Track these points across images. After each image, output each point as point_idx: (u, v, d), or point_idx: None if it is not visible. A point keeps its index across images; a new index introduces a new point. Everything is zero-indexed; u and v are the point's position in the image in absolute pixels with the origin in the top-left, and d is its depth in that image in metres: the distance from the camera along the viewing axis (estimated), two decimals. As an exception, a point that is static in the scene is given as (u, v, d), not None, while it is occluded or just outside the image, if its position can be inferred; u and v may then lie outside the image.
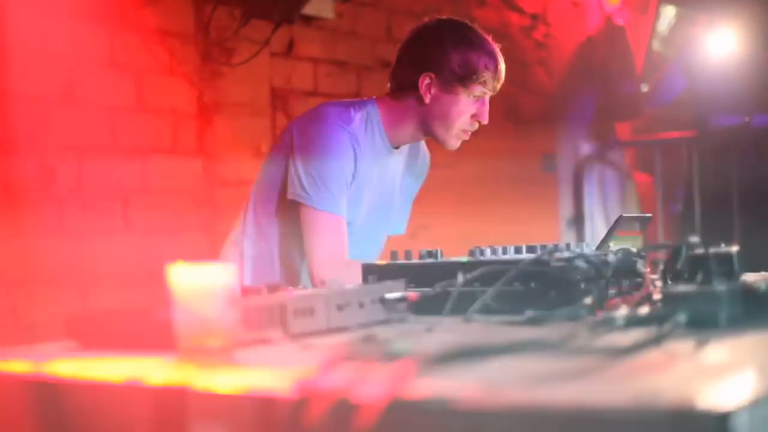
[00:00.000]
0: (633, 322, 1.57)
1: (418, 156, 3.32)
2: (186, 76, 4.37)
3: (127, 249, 4.10)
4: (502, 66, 3.00)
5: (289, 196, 2.91)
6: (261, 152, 4.53)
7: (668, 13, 7.35)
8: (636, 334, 1.39)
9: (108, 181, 4.06)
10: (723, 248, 1.83)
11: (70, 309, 2.54)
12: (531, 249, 2.14)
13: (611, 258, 1.97)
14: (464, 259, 2.10)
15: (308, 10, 4.52)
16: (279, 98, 4.80)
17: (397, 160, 3.18)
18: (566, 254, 1.96)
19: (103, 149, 4.05)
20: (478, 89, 2.94)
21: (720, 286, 1.63)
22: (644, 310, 1.68)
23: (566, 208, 6.65)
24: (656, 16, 7.28)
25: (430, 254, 2.17)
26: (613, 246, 2.33)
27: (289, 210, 2.97)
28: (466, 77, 2.93)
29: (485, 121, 3.02)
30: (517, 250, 2.15)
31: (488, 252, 2.14)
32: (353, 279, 2.42)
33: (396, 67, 3.06)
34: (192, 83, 4.39)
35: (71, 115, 3.91)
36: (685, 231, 6.38)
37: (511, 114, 6.37)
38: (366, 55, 5.23)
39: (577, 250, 2.07)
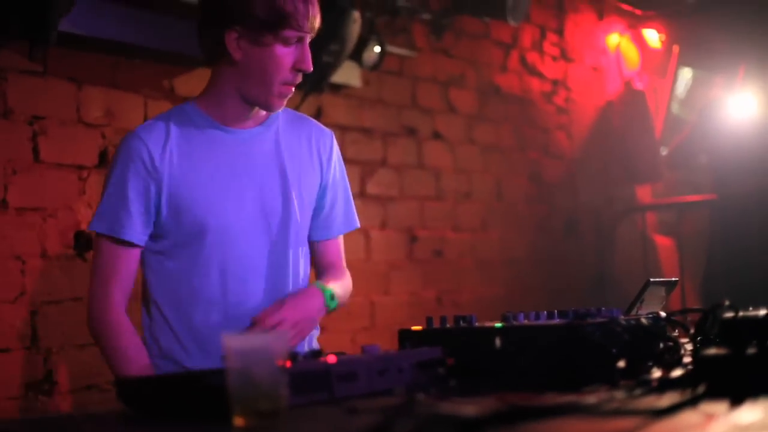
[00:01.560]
0: (666, 385, 1.63)
1: (311, 138, 2.90)
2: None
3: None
4: (312, 2, 2.66)
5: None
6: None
7: (686, 75, 7.45)
8: (671, 397, 1.45)
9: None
10: (752, 312, 1.89)
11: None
12: (563, 314, 2.20)
13: (643, 322, 2.03)
14: (498, 324, 2.15)
15: (336, 78, 4.61)
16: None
17: (267, 141, 2.80)
18: (599, 319, 2.02)
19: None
20: (293, 35, 2.61)
21: (750, 350, 1.69)
22: (677, 373, 1.74)
23: (589, 271, 6.70)
24: (674, 79, 7.39)
25: (464, 320, 2.22)
26: (642, 310, 2.38)
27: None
28: (275, 23, 2.59)
29: (309, 69, 2.66)
30: (550, 315, 2.21)
31: (521, 317, 2.20)
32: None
33: (199, 34, 2.72)
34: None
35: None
36: (709, 294, 6.42)
37: (535, 178, 6.45)
38: (391, 122, 5.31)
39: (608, 315, 2.12)
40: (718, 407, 1.40)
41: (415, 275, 5.36)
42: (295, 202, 2.78)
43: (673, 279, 2.75)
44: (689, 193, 7.21)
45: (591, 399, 1.45)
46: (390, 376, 1.89)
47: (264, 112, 2.78)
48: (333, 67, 4.41)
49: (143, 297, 2.80)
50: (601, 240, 6.92)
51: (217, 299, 2.70)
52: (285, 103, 2.74)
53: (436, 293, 5.45)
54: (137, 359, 2.63)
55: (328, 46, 4.27)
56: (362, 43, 4.66)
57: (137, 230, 2.67)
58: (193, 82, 4.17)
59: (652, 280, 2.53)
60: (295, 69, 2.65)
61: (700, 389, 1.50)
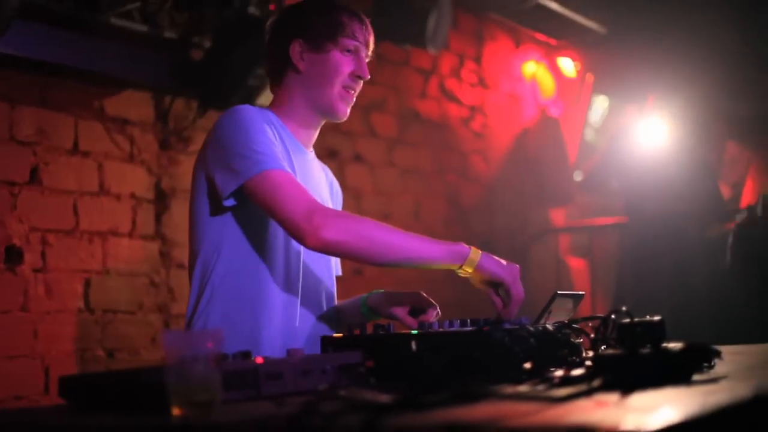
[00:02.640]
0: (567, 381, 1.79)
1: (332, 181, 3.20)
2: (145, 163, 4.56)
3: (87, 328, 4.26)
4: (367, 19, 2.93)
5: (225, 200, 2.68)
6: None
7: (600, 103, 7.69)
8: (570, 390, 1.61)
9: (70, 262, 4.22)
10: (647, 318, 2.07)
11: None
12: (475, 322, 2.36)
13: (548, 329, 2.20)
14: (415, 331, 2.31)
15: (262, 101, 4.74)
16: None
17: (316, 168, 3.04)
18: (508, 326, 2.19)
19: (67, 231, 4.23)
20: (349, 43, 2.86)
21: (642, 350, 1.87)
22: (577, 372, 1.91)
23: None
24: (589, 107, 7.63)
25: (382, 327, 2.38)
26: (550, 320, 2.55)
27: (227, 232, 2.78)
28: (333, 32, 2.85)
29: (367, 76, 2.90)
30: (463, 324, 2.38)
31: (436, 325, 2.36)
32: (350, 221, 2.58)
33: (267, 54, 2.98)
34: (151, 170, 4.58)
35: (37, 198, 4.09)
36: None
37: (452, 201, 6.63)
38: (315, 143, 5.45)
39: (517, 323, 2.29)
40: (610, 397, 1.56)
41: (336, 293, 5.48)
42: None
43: (580, 292, 2.92)
44: (601, 216, 7.44)
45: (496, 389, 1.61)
46: (314, 377, 2.03)
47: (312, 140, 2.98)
48: (259, 90, 4.53)
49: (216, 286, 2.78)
50: (517, 261, 7.08)
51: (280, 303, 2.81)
52: (349, 111, 2.92)
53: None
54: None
55: (254, 70, 4.40)
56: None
57: None
58: (123, 103, 4.28)
59: (559, 292, 2.70)
60: (354, 75, 2.87)
61: (596, 383, 1.66)
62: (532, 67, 7.57)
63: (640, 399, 1.55)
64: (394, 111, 6.17)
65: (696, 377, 1.86)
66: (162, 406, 1.62)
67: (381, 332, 2.36)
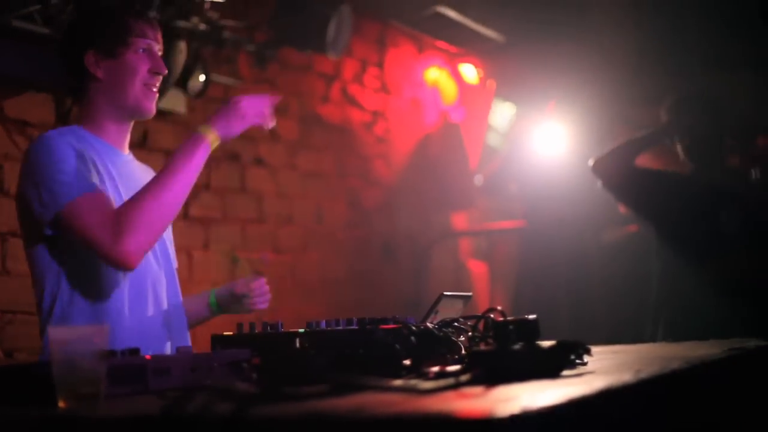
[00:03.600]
0: (441, 375, 1.89)
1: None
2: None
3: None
4: (152, 15, 3.12)
5: (45, 231, 2.76)
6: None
7: (503, 109, 7.83)
8: (441, 383, 1.70)
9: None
10: (522, 317, 2.17)
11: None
12: (361, 321, 2.45)
13: (429, 327, 2.29)
14: (302, 330, 2.39)
15: (162, 104, 4.77)
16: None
17: (136, 168, 3.11)
18: (390, 324, 2.28)
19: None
20: (141, 42, 2.96)
21: (513, 347, 1.97)
22: (453, 367, 2.00)
23: (406, 292, 6.96)
24: (491, 112, 7.76)
25: (271, 326, 2.46)
26: (438, 320, 2.64)
27: (63, 258, 2.85)
28: (123, 36, 2.94)
29: (164, 71, 3.01)
30: (349, 322, 2.46)
31: (323, 324, 2.45)
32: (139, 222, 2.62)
33: (66, 71, 3.03)
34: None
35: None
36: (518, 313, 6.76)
37: (354, 204, 6.71)
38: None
39: (401, 322, 2.38)
40: (477, 389, 1.65)
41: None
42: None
43: (467, 293, 3.02)
44: (502, 220, 7.58)
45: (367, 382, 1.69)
46: (201, 373, 2.10)
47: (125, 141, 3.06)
48: (159, 94, 4.57)
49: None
50: (417, 264, 7.21)
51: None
52: (155, 106, 3.02)
53: (256, 313, 5.62)
54: None
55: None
56: (188, 72, 4.84)
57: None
58: (23, 104, 4.29)
59: (445, 293, 2.79)
60: (152, 72, 2.97)
61: (465, 377, 1.76)
62: (434, 74, 7.68)
63: (504, 391, 1.64)
64: (297, 115, 6.23)
65: (565, 372, 1.97)
66: (49, 399, 1.68)
67: (268, 330, 2.44)
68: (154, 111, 3.02)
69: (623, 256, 6.72)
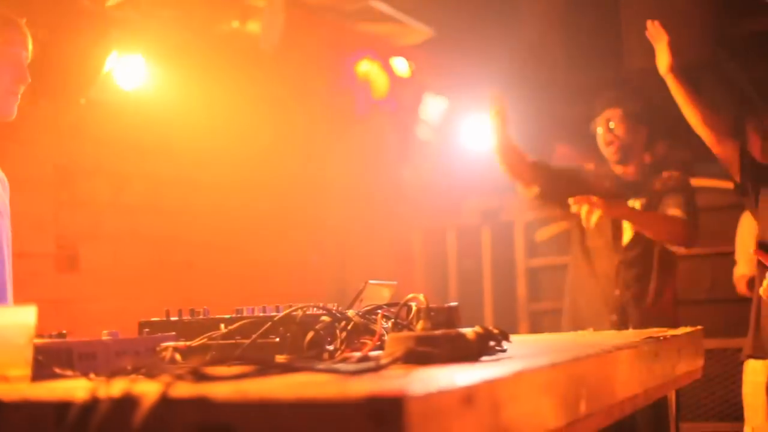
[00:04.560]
0: (364, 360, 1.94)
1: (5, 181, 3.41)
2: (-28, 152, 4.55)
3: None
4: (21, 21, 3.07)
5: None
6: (43, 228, 4.74)
7: (432, 102, 7.89)
8: (360, 366, 1.75)
9: None
10: (444, 305, 2.23)
11: None
12: (286, 308, 2.49)
13: (349, 313, 2.35)
14: (228, 315, 2.43)
15: (94, 93, 4.77)
16: (62, 175, 5.04)
17: None
18: (315, 310, 2.33)
19: None
20: (7, 50, 3.03)
21: (434, 333, 2.02)
22: (375, 352, 2.05)
23: (334, 281, 7.01)
24: (422, 106, 7.82)
25: (197, 312, 2.50)
26: (360, 306, 2.69)
27: None
28: None
29: (27, 80, 3.07)
30: (277, 309, 2.50)
31: (249, 310, 2.49)
32: None
33: None
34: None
35: None
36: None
37: (285, 195, 6.73)
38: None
39: (324, 308, 2.43)
40: (398, 372, 1.70)
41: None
42: None
43: (392, 282, 3.07)
44: (434, 213, 7.64)
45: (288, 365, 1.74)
46: (128, 357, 2.13)
47: None
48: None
49: None
50: (345, 253, 7.26)
51: None
52: (15, 109, 3.08)
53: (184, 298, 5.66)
54: None
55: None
56: None
57: None
58: None
59: (370, 281, 2.85)
60: (17, 79, 3.05)
61: (385, 360, 1.81)
62: (366, 66, 7.71)
63: (421, 374, 1.69)
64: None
65: (485, 358, 2.03)
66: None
67: (194, 316, 2.47)
68: (14, 114, 3.07)
69: (552, 251, 6.83)
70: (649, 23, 4.83)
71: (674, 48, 4.72)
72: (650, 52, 4.78)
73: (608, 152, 5.34)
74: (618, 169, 5.35)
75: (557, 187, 5.34)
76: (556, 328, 5.47)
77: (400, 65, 7.97)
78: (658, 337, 2.76)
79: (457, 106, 7.79)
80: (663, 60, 4.72)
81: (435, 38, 7.57)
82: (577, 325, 4.94)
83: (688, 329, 3.24)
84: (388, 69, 7.93)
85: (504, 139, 5.44)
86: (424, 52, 7.86)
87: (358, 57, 7.66)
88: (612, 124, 5.30)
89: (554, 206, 5.46)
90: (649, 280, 5.22)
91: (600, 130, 5.36)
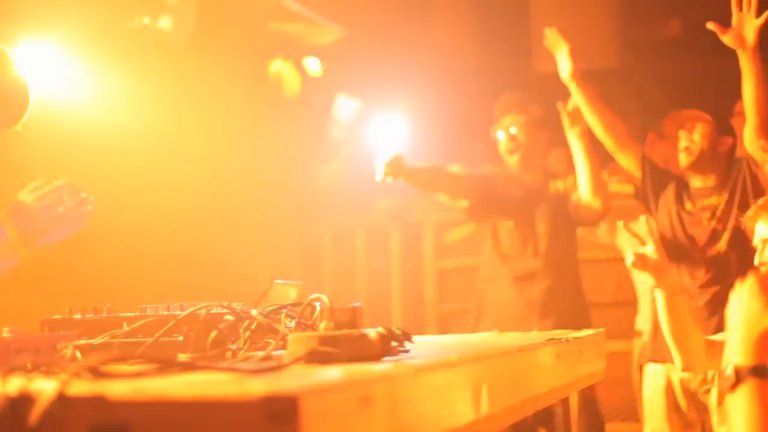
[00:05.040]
0: (266, 359, 1.94)
1: None
2: None
3: None
4: None
5: None
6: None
7: (344, 102, 7.90)
8: (264, 365, 1.76)
9: None
10: (347, 306, 2.24)
11: None
12: (190, 306, 2.49)
13: (254, 313, 2.35)
14: (131, 314, 2.42)
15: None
16: None
17: None
18: (219, 310, 2.33)
19: None
20: None
21: (336, 332, 2.04)
22: (278, 352, 2.06)
23: (241, 280, 6.97)
24: (333, 105, 7.83)
25: (99, 310, 2.48)
26: (265, 305, 2.70)
27: None
28: None
29: None
30: (182, 308, 2.49)
31: (154, 309, 2.47)
32: None
33: None
34: None
35: None
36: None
37: (196, 192, 6.69)
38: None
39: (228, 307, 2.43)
40: (298, 371, 1.71)
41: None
42: None
43: (298, 281, 3.08)
44: (341, 216, 7.65)
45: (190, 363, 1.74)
46: (28, 355, 2.11)
47: None
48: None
49: None
50: (253, 252, 7.24)
51: None
52: None
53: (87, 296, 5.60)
54: None
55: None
56: None
57: None
58: None
59: (276, 281, 2.86)
60: None
61: (287, 360, 1.81)
62: (278, 65, 7.69)
63: (318, 373, 1.71)
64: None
65: (387, 358, 2.04)
66: None
67: (97, 314, 2.45)
68: None
69: (461, 253, 6.89)
70: (547, 31, 4.88)
71: (582, 53, 4.78)
72: (560, 57, 4.85)
73: (511, 160, 5.37)
74: (522, 177, 5.39)
75: (484, 197, 5.36)
76: (464, 329, 5.52)
77: (312, 65, 7.97)
78: (560, 339, 2.79)
79: (369, 106, 7.81)
80: (565, 67, 4.79)
81: (347, 38, 7.58)
82: (488, 327, 4.98)
83: (591, 331, 3.28)
84: (300, 68, 7.91)
85: (417, 179, 5.45)
86: (337, 52, 7.87)
87: (270, 56, 7.64)
88: (513, 130, 5.33)
89: (483, 217, 5.47)
90: (562, 284, 5.28)
91: (501, 136, 5.38)
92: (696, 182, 4.69)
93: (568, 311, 5.23)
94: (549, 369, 2.62)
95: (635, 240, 3.58)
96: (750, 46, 4.25)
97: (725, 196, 4.57)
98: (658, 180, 4.70)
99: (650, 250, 3.51)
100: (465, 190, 5.37)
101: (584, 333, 3.16)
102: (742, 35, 4.26)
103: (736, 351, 1.74)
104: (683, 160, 4.68)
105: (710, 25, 4.34)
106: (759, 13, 4.25)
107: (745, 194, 4.47)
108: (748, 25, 4.25)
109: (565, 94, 5.08)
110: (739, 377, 1.73)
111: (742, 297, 1.80)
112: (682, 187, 4.72)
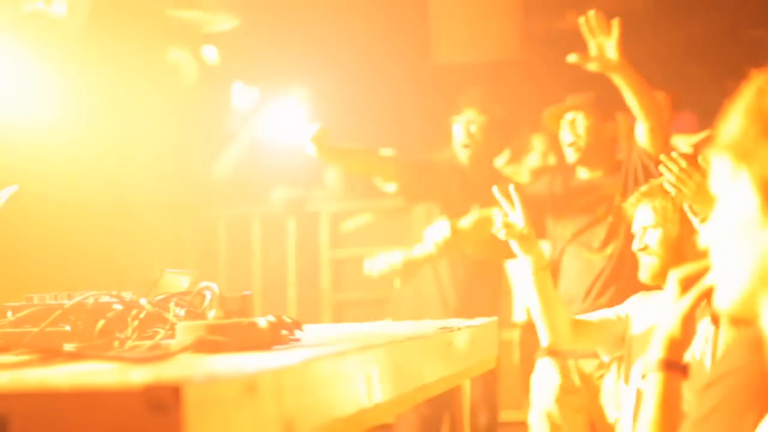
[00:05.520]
0: (154, 348, 1.93)
1: None
2: None
3: None
4: None
5: None
6: None
7: (241, 90, 7.86)
8: (150, 353, 1.74)
9: None
10: (237, 294, 2.24)
11: None
12: (78, 295, 2.45)
13: (143, 302, 2.33)
14: (17, 303, 2.38)
15: None
16: None
17: None
18: (106, 299, 2.30)
19: None
20: None
21: (225, 321, 2.03)
22: (167, 340, 2.05)
23: (134, 269, 6.90)
24: (230, 93, 7.79)
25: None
26: (156, 294, 2.67)
27: None
28: None
29: None
30: (69, 297, 2.46)
31: (41, 298, 2.43)
32: None
33: None
34: None
35: None
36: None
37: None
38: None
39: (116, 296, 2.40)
40: (185, 360, 1.70)
41: None
42: None
43: (191, 271, 3.06)
44: (236, 204, 7.62)
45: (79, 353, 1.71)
46: None
47: None
48: None
49: None
50: (144, 240, 7.18)
51: None
52: None
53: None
54: None
55: None
56: None
57: None
58: None
59: (167, 270, 2.83)
60: None
61: (176, 349, 1.80)
62: (175, 53, 7.62)
63: (205, 362, 1.70)
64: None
65: (277, 347, 2.04)
66: None
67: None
68: None
69: (357, 243, 6.90)
70: (590, 15, 4.52)
71: (480, 44, 4.77)
72: (457, 47, 4.80)
73: (463, 153, 5.28)
74: (468, 171, 5.28)
75: (420, 183, 5.30)
76: (359, 318, 5.51)
77: (210, 53, 7.91)
78: (451, 328, 2.81)
79: (267, 94, 7.78)
80: (612, 55, 4.44)
81: (244, 27, 7.53)
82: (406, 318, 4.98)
83: (483, 319, 3.31)
84: (198, 57, 7.85)
85: (345, 158, 5.38)
86: (234, 41, 7.82)
87: (167, 43, 7.56)
88: (473, 128, 5.24)
89: (416, 200, 5.43)
90: (483, 284, 5.28)
91: (459, 129, 5.29)
92: (583, 174, 4.73)
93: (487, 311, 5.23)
94: (440, 357, 2.64)
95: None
96: (616, 65, 4.24)
97: (618, 187, 4.59)
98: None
99: (517, 219, 3.58)
100: (397, 174, 5.30)
101: (476, 321, 3.19)
102: (605, 58, 4.25)
103: (656, 344, 1.86)
104: (571, 156, 4.71)
105: (572, 59, 4.33)
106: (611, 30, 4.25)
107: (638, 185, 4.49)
108: (607, 45, 4.25)
109: (461, 87, 5.09)
110: (654, 367, 1.85)
111: (666, 295, 1.90)
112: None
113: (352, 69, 7.54)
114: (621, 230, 4.50)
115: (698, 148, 5.00)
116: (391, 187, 5.34)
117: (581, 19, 4.28)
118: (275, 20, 7.35)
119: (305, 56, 7.36)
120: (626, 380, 3.74)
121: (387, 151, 5.37)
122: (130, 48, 6.74)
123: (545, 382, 4.57)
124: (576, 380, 4.53)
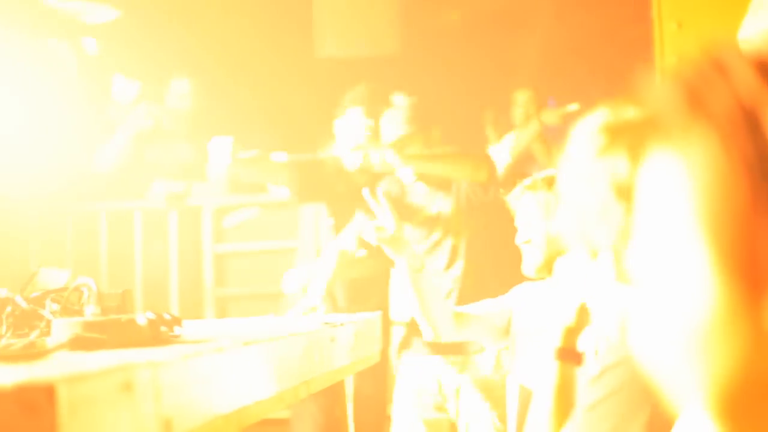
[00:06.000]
0: (28, 346, 1.88)
1: None
2: None
3: None
4: None
5: None
6: None
7: (121, 83, 7.74)
8: (24, 352, 1.70)
9: None
10: (116, 291, 2.20)
11: None
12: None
13: (17, 299, 2.28)
14: None
15: None
16: None
17: None
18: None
19: None
20: None
21: (102, 317, 2.00)
22: (42, 338, 2.00)
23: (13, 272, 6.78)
24: (111, 85, 7.67)
25: None
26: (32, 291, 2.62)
27: None
28: None
29: None
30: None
31: None
32: None
33: None
34: None
35: None
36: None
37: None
38: None
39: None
40: (60, 359, 1.66)
41: None
42: None
43: (68, 269, 3.01)
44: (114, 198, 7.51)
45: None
46: None
47: None
48: None
49: None
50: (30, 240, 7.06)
51: None
52: None
53: None
54: None
55: None
56: None
57: None
58: None
59: (43, 268, 2.78)
60: None
61: (50, 346, 1.76)
62: (54, 44, 7.49)
63: (80, 360, 1.66)
64: None
65: (157, 344, 2.01)
66: None
67: None
68: None
69: (240, 237, 6.88)
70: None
71: (361, 39, 4.75)
72: (342, 40, 4.76)
73: (347, 155, 5.22)
74: (354, 173, 5.23)
75: (307, 185, 5.27)
76: (243, 313, 5.49)
77: (89, 44, 7.80)
78: (334, 323, 2.81)
79: (148, 87, 7.68)
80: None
81: (124, 18, 7.44)
82: None
83: (366, 315, 3.32)
84: (77, 48, 7.73)
85: (247, 173, 5.35)
86: (114, 33, 7.72)
87: (45, 34, 7.43)
88: (358, 130, 5.18)
89: (305, 201, 5.39)
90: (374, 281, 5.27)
91: (343, 129, 5.22)
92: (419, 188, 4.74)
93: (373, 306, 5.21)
94: (323, 352, 2.63)
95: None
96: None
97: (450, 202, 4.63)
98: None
99: (387, 222, 3.60)
100: (286, 178, 5.29)
101: (359, 317, 3.20)
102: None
103: (553, 333, 1.99)
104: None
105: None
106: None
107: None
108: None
109: (344, 80, 5.07)
110: (552, 355, 1.98)
111: (554, 284, 2.00)
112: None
113: (236, 60, 7.48)
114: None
115: (567, 119, 5.12)
116: (283, 190, 5.35)
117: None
118: (156, 12, 7.26)
119: (187, 48, 7.28)
120: (511, 371, 3.78)
121: (277, 156, 5.33)
122: (6, 39, 6.61)
123: (418, 389, 4.57)
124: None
